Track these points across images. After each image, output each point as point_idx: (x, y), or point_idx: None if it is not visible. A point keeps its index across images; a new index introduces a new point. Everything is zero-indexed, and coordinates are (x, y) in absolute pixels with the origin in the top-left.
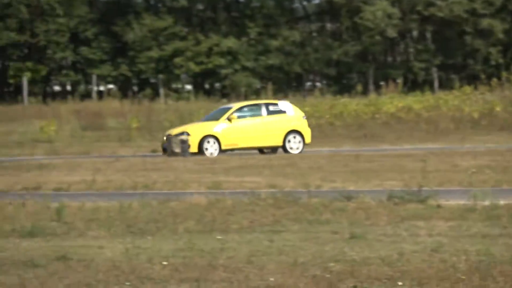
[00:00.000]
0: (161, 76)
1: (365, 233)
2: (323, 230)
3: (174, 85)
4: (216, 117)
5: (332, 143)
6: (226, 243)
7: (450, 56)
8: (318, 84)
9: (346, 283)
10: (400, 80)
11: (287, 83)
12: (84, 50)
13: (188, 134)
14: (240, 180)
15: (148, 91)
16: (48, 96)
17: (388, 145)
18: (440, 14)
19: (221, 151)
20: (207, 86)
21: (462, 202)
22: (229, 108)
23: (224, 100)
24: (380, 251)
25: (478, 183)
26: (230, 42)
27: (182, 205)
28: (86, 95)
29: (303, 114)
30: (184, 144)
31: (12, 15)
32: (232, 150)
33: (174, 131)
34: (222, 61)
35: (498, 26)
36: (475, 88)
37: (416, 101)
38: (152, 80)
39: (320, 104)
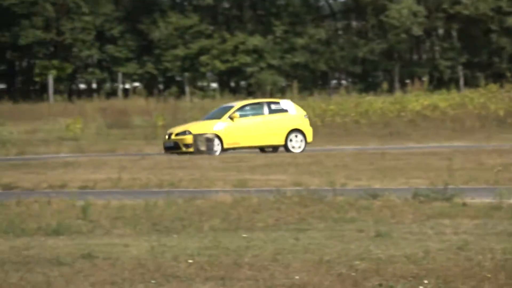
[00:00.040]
0: (186, 74)
1: (390, 231)
2: (349, 228)
3: (199, 83)
4: (217, 116)
5: (358, 141)
6: (252, 241)
7: (476, 54)
8: (343, 82)
9: (372, 281)
10: (425, 78)
11: (312, 81)
12: (110, 48)
13: (190, 133)
14: (266, 178)
15: (174, 89)
16: (73, 94)
17: (414, 143)
18: (466, 12)
19: (223, 150)
20: (232, 84)
21: (487, 200)
22: (231, 107)
23: (250, 99)
24: (405, 249)
25: (504, 181)
26: (255, 40)
27: (207, 203)
28: (112, 93)
29: (304, 113)
30: (210, 142)
31: (38, 13)
32: (234, 149)
33: (176, 129)
34: (247, 59)
35: None
36: (501, 86)
37: (441, 99)
38: (178, 78)
39: (346, 102)
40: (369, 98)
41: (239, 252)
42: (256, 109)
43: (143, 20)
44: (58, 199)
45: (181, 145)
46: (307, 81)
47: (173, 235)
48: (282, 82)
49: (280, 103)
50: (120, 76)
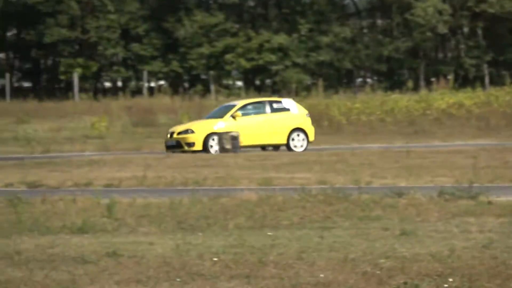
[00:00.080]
0: (212, 72)
1: (415, 230)
2: (374, 226)
3: (225, 82)
4: (219, 115)
5: (383, 139)
6: (277, 240)
7: (501, 52)
8: (368, 80)
9: (397, 280)
10: (451, 76)
11: (337, 80)
12: (135, 46)
13: (192, 132)
14: (291, 176)
15: (199, 87)
16: (98, 92)
17: (439, 142)
18: (491, 10)
19: None
20: (257, 82)
21: None
22: (233, 106)
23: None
24: (430, 248)
25: None
26: (281, 39)
27: (232, 201)
28: (137, 92)
29: (306, 112)
30: (235, 140)
31: (63, 12)
32: None
33: (179, 128)
34: (273, 57)
35: None
36: None
37: (467, 97)
38: (203, 77)
39: (371, 101)
40: (395, 96)
41: (264, 250)
42: (258, 108)
43: (168, 19)
44: (83, 197)
45: (183, 144)
46: (332, 79)
47: (198, 233)
48: (307, 80)
49: (282, 102)
50: (145, 74)
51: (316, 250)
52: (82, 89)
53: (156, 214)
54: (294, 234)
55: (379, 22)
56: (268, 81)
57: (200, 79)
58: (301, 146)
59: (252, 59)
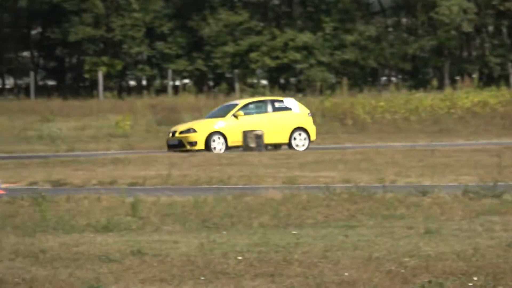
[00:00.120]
0: (236, 71)
1: (440, 228)
2: (398, 225)
3: (249, 80)
4: (221, 114)
5: (407, 138)
6: (301, 238)
7: None
8: (393, 79)
9: (421, 278)
10: (475, 75)
11: (362, 78)
12: (159, 45)
13: (194, 131)
14: (315, 175)
15: (224, 85)
16: (123, 90)
17: (464, 140)
18: None
19: (228, 148)
20: (282, 81)
21: None
22: (235, 105)
23: (300, 95)
24: (455, 246)
25: None
26: (305, 37)
27: (257, 200)
28: (162, 90)
29: (308, 111)
30: (259, 139)
31: (88, 10)
32: (238, 147)
33: (180, 127)
34: (297, 55)
35: None
36: None
37: (491, 96)
38: (228, 75)
39: (395, 99)
40: (419, 95)
41: (289, 249)
42: (260, 107)
43: (193, 17)
44: (108, 196)
45: (186, 143)
46: (356, 77)
47: (222, 231)
48: (331, 79)
49: (284, 101)
50: (170, 73)
51: (341, 249)
52: (106, 88)
53: (180, 213)
54: (318, 232)
55: (403, 20)
56: (292, 80)
57: (225, 77)
58: (303, 145)
59: (276, 58)
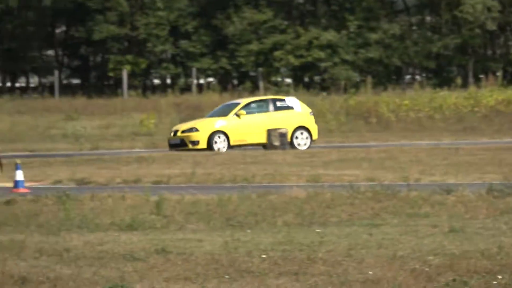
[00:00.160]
0: (260, 69)
1: (464, 227)
2: (422, 223)
3: (273, 78)
4: (222, 113)
5: (432, 136)
6: (325, 237)
7: None
8: (417, 77)
9: (445, 277)
10: (499, 73)
11: (386, 76)
12: (184, 43)
13: (197, 130)
14: (339, 173)
15: (248, 84)
16: (147, 89)
17: (488, 139)
18: None
19: (230, 147)
20: (306, 79)
21: None
22: (236, 104)
23: (324, 94)
24: (479, 245)
25: None
26: (329, 35)
27: (281, 198)
28: (186, 88)
29: (310, 110)
30: (283, 137)
31: (112, 8)
32: (240, 146)
33: (182, 127)
34: (321, 54)
35: None
36: None
37: None
38: (252, 73)
39: (420, 97)
40: (443, 93)
41: (313, 248)
42: (262, 106)
43: (217, 15)
44: (132, 194)
45: (188, 142)
46: (381, 76)
47: (246, 230)
48: (355, 77)
49: (286, 100)
50: (194, 71)
51: (365, 247)
52: (131, 86)
53: (204, 211)
54: (342, 231)
55: (428, 18)
56: (316, 78)
57: (249, 76)
58: (305, 144)
59: (301, 56)
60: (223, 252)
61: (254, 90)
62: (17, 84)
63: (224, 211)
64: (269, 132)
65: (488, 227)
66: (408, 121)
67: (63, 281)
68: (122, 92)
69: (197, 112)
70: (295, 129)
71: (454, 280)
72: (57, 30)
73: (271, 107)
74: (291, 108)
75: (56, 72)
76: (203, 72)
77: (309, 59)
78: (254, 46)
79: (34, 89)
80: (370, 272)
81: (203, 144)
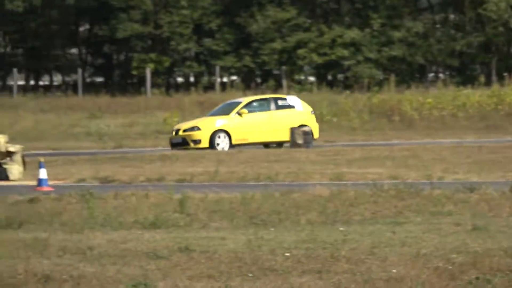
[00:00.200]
0: (284, 67)
1: (487, 225)
2: (446, 221)
3: (297, 77)
4: (224, 112)
5: (455, 134)
6: (349, 235)
7: None
8: (441, 75)
9: (468, 275)
10: None
11: (409, 75)
12: (207, 41)
13: (199, 129)
14: (363, 171)
15: (271, 82)
16: (171, 87)
17: (511, 137)
18: None
19: (232, 146)
20: (329, 77)
21: None
22: (238, 103)
23: (347, 92)
24: (502, 243)
25: None
26: (353, 33)
27: (304, 197)
28: (209, 87)
29: (311, 109)
30: (307, 135)
31: (136, 7)
32: (241, 145)
33: (184, 126)
34: (345, 52)
35: None
36: None
37: None
38: (275, 72)
39: (443, 96)
40: (467, 91)
41: (336, 246)
42: (263, 105)
43: (241, 14)
44: (156, 193)
45: (189, 141)
46: (404, 74)
47: (270, 228)
48: (379, 75)
49: (287, 99)
50: (217, 69)
51: (388, 245)
52: (154, 85)
53: (228, 209)
54: (366, 229)
55: (451, 16)
56: (340, 76)
57: (272, 74)
58: None
59: (324, 54)
60: (246, 250)
61: (277, 88)
62: (41, 83)
63: (247, 209)
64: (293, 130)
65: (511, 225)
66: (432, 119)
67: (87, 279)
68: (146, 91)
69: None
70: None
71: (477, 278)
72: (81, 29)
73: (272, 106)
74: (292, 107)
75: (80, 71)
76: (226, 70)
77: (333, 57)
78: (277, 44)
79: (58, 87)
80: (394, 270)
81: (205, 143)
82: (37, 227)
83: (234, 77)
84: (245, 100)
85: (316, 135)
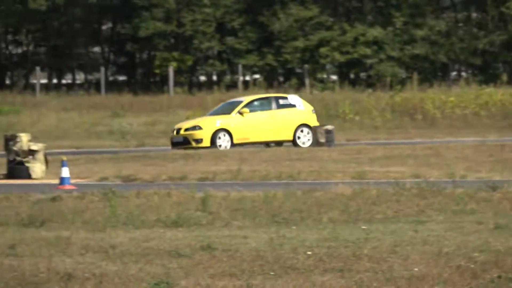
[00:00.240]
0: (306, 66)
1: (510, 223)
2: (468, 220)
3: (319, 75)
4: (225, 111)
5: (477, 133)
6: (371, 233)
7: None
8: (463, 73)
9: (491, 273)
10: None
11: (432, 73)
12: (230, 40)
13: (200, 128)
14: (385, 170)
15: (294, 81)
16: (193, 86)
17: None
18: None
19: (233, 145)
20: (352, 76)
21: None
22: (239, 102)
23: (370, 90)
24: None
25: None
26: (375, 32)
27: (326, 195)
28: (232, 85)
29: (312, 108)
30: (330, 134)
31: (159, 5)
32: (243, 144)
33: (185, 125)
34: (367, 50)
35: None
36: None
37: None
38: (298, 70)
39: (465, 94)
40: (489, 89)
41: (358, 244)
42: (264, 104)
43: (264, 12)
44: (178, 191)
45: (191, 140)
46: (426, 72)
47: (292, 227)
48: (401, 73)
49: (288, 98)
50: (240, 68)
51: (410, 244)
52: (177, 83)
53: (250, 208)
54: (388, 227)
55: (474, 15)
56: (362, 75)
57: (295, 72)
58: (308, 140)
59: (346, 53)
60: (268, 249)
61: (300, 87)
62: (64, 81)
63: (269, 207)
64: (315, 129)
65: None
66: (454, 118)
67: (109, 278)
68: (168, 89)
69: None
70: (298, 127)
71: (499, 276)
72: (103, 27)
73: (273, 105)
74: (294, 106)
75: (102, 69)
76: (249, 69)
77: (355, 55)
78: (300, 43)
79: (80, 86)
80: (416, 269)
81: (206, 142)
82: (59, 225)
83: (256, 76)
84: (246, 99)
85: None
